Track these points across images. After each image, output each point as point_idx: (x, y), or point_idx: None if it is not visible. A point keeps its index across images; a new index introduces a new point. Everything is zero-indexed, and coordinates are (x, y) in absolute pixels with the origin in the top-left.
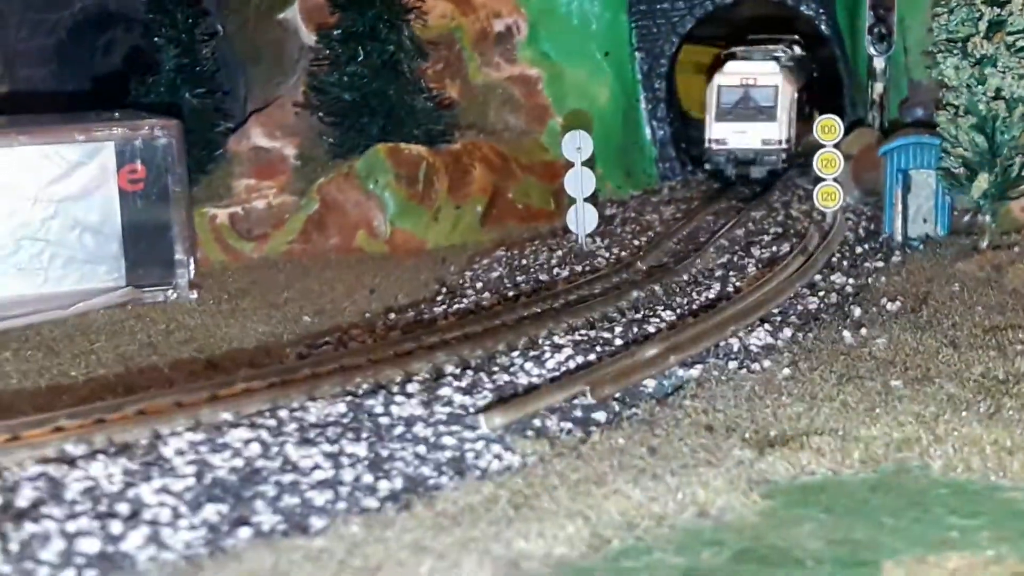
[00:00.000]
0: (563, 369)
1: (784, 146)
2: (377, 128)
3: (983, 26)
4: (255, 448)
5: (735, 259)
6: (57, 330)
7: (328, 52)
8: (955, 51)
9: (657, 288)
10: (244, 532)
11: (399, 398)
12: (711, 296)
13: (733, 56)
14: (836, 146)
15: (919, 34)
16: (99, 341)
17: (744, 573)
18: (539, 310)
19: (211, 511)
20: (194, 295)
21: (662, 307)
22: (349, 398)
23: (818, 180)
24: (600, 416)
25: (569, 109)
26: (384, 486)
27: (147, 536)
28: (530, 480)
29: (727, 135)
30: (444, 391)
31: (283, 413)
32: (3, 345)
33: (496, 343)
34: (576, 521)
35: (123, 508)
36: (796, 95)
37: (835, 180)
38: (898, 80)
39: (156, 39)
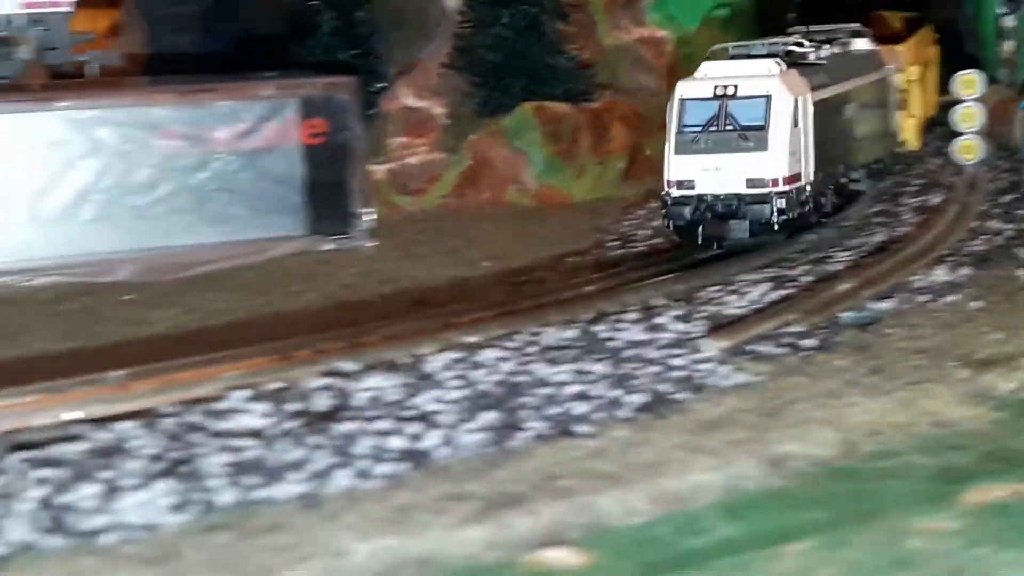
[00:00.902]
0: (763, 302)
1: (784, 188)
2: (520, 87)
3: None
4: (508, 366)
5: (889, 207)
6: (251, 274)
7: (473, 15)
8: None
9: (829, 232)
10: (521, 436)
11: (622, 325)
12: (880, 240)
13: (715, 55)
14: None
15: None
16: (298, 283)
17: (995, 471)
18: (717, 252)
19: (487, 418)
20: (371, 244)
21: (837, 249)
22: (577, 325)
23: (956, 135)
24: (810, 343)
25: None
26: (632, 399)
27: (441, 437)
28: (767, 395)
29: (694, 174)
30: (660, 320)
31: (521, 337)
32: (207, 287)
33: (691, 280)
34: (825, 428)
35: (410, 414)
36: (812, 108)
37: (975, 134)
38: None
39: (312, 2)
